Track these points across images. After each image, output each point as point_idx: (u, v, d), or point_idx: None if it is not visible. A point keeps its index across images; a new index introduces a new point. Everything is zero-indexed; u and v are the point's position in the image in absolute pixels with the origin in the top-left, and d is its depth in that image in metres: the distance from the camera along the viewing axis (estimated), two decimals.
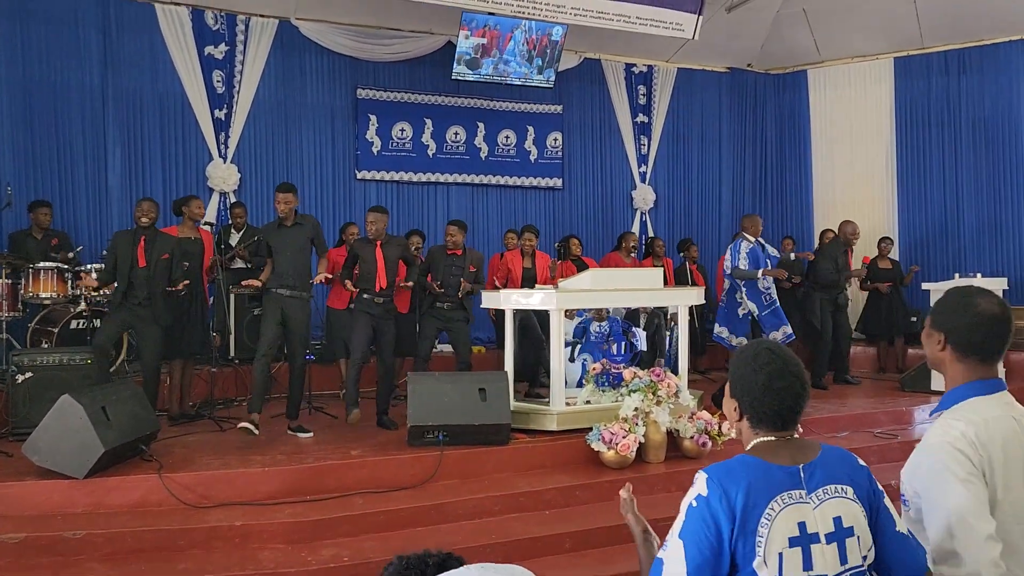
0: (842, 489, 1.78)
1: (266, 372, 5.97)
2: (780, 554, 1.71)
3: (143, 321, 5.90)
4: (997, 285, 7.94)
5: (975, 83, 9.86)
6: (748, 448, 1.87)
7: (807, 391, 1.88)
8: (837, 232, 8.65)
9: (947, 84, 10.05)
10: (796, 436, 1.88)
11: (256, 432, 5.58)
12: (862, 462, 1.90)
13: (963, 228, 9.97)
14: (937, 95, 10.11)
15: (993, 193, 9.77)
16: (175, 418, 6.31)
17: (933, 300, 8.21)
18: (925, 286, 8.66)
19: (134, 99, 8.21)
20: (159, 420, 5.66)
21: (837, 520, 1.75)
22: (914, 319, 9.40)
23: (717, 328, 7.92)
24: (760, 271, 7.57)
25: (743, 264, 7.61)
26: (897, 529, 1.84)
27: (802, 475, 1.78)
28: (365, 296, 6.18)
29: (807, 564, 1.72)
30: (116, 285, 5.85)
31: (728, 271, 7.71)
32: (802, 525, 1.73)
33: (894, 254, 9.74)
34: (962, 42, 9.87)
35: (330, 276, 6.24)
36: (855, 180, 10.67)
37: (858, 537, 1.77)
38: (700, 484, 1.79)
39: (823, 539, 1.74)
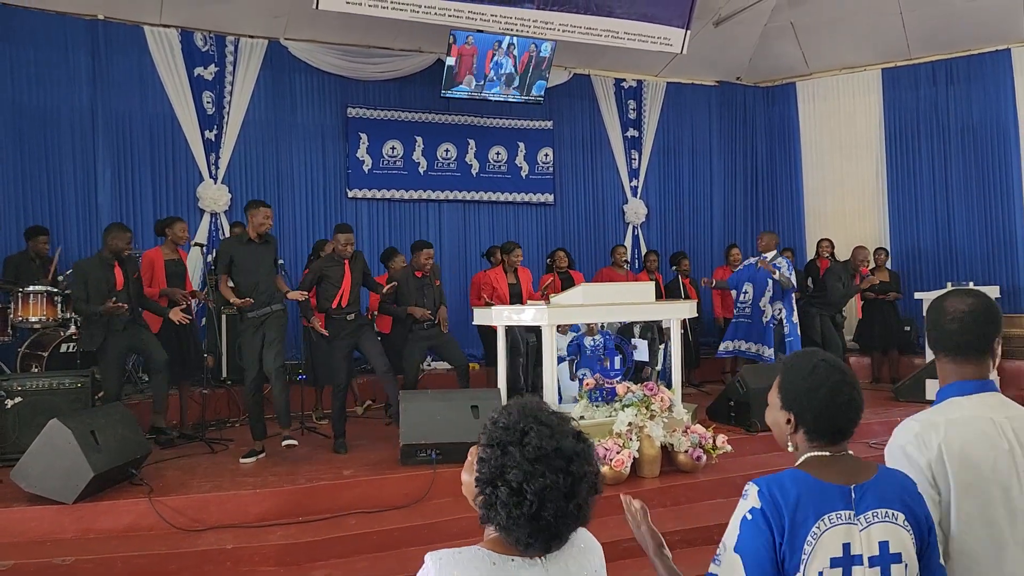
0: (893, 515, 1.74)
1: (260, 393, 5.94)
2: (820, 573, 1.69)
3: (136, 336, 5.90)
4: (989, 293, 7.91)
5: (963, 93, 9.92)
6: (799, 463, 1.83)
7: (863, 404, 1.86)
8: (851, 256, 8.88)
9: (935, 94, 10.11)
10: (849, 452, 1.85)
11: (295, 443, 5.78)
12: (920, 491, 1.84)
13: (954, 237, 10.01)
14: (925, 105, 10.17)
15: (983, 201, 9.81)
16: (164, 443, 6.26)
17: (926, 309, 8.38)
18: (918, 295, 8.71)
19: (124, 121, 8.20)
20: (149, 443, 5.63)
21: (883, 545, 1.71)
22: (907, 328, 9.42)
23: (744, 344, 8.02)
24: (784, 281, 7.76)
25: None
26: (940, 561, 1.82)
27: (853, 495, 1.75)
28: (335, 317, 6.16)
29: None
30: (83, 319, 5.80)
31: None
32: (847, 546, 1.70)
33: (888, 264, 9.75)
34: (948, 52, 9.93)
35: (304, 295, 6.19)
36: (846, 191, 10.71)
37: (905, 565, 1.72)
38: (752, 497, 1.76)
39: (866, 562, 1.70)
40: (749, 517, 1.74)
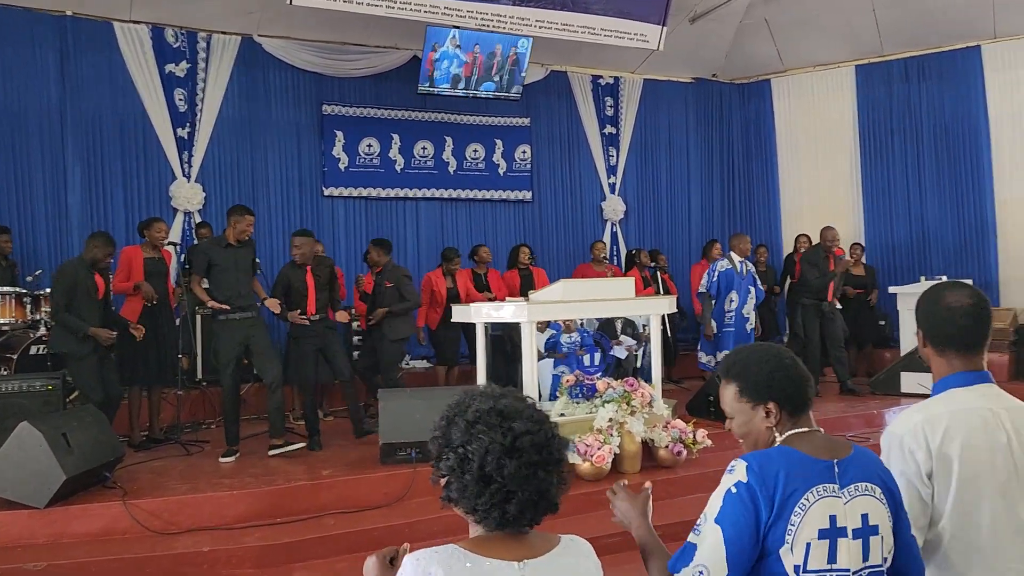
0: (871, 488, 1.80)
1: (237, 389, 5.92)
2: (808, 544, 1.73)
3: (103, 352, 5.81)
4: None
5: (934, 89, 10.03)
6: (782, 440, 1.86)
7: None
8: (819, 238, 8.58)
9: (907, 91, 10.21)
10: (820, 431, 1.89)
11: (295, 446, 5.82)
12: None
13: (927, 232, 10.11)
14: (898, 101, 10.26)
15: (955, 196, 9.92)
16: (137, 445, 6.16)
17: (900, 304, 8.43)
18: (892, 290, 8.76)
19: (93, 119, 8.05)
20: (123, 446, 5.53)
21: (864, 517, 1.77)
22: (882, 323, 9.50)
23: (705, 357, 7.95)
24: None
25: (705, 287, 7.74)
26: (911, 532, 1.87)
27: (836, 469, 1.80)
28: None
29: (832, 557, 1.74)
30: (64, 328, 5.67)
31: (702, 289, 7.75)
32: (833, 518, 1.75)
33: (863, 259, 9.83)
34: (921, 49, 10.03)
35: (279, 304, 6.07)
36: (821, 187, 10.79)
37: (882, 537, 1.79)
38: (740, 471, 1.78)
39: (850, 534, 1.75)
40: (734, 490, 1.76)
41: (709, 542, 1.75)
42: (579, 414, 5.92)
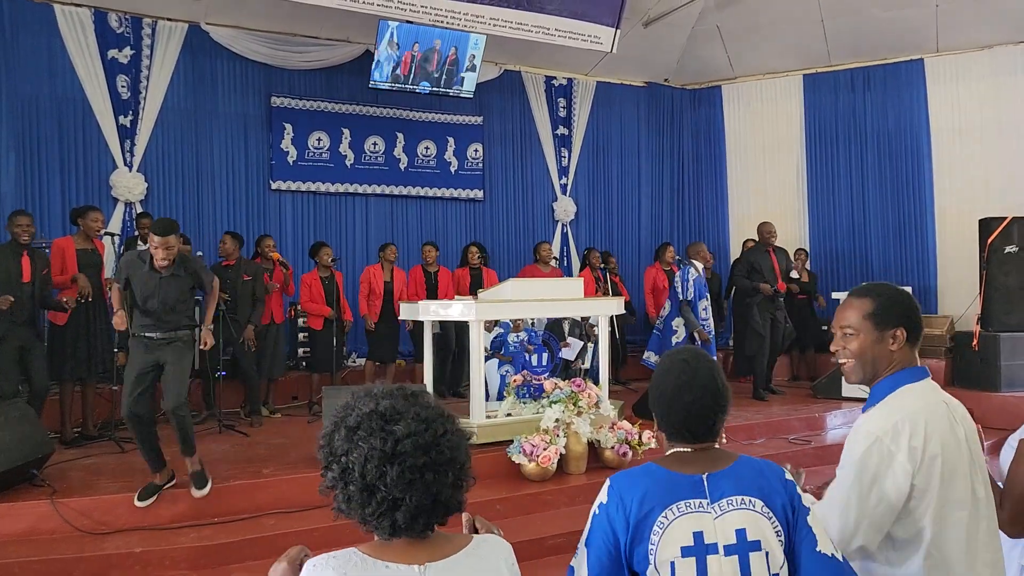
0: (750, 501, 1.71)
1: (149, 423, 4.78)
2: (672, 563, 1.66)
3: (30, 340, 5.60)
4: None
5: (879, 99, 10.26)
6: (660, 458, 1.83)
7: (720, 403, 1.81)
8: (757, 234, 8.65)
9: (853, 100, 10.43)
10: (716, 447, 1.83)
11: (164, 483, 4.78)
12: (789, 477, 1.81)
13: (870, 238, 10.34)
14: (844, 110, 10.48)
15: (897, 204, 10.16)
16: (69, 442, 5.94)
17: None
18: (835, 295, 8.93)
19: (30, 104, 7.74)
20: (54, 443, 5.32)
21: (740, 532, 1.68)
22: (825, 327, 9.67)
23: (647, 353, 7.95)
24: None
25: (691, 294, 7.64)
26: (818, 549, 1.73)
27: (705, 484, 1.73)
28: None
29: (701, 574, 1.67)
30: None
31: (681, 298, 7.68)
32: (698, 535, 1.68)
33: (807, 265, 10.01)
34: (867, 60, 10.26)
35: (209, 344, 5.01)
36: (768, 193, 10.95)
37: (766, 553, 1.69)
38: (603, 492, 1.77)
39: (721, 550, 1.67)
40: (596, 512, 1.76)
41: (580, 565, 1.75)
42: (526, 414, 5.91)
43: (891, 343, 2.01)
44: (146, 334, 4.73)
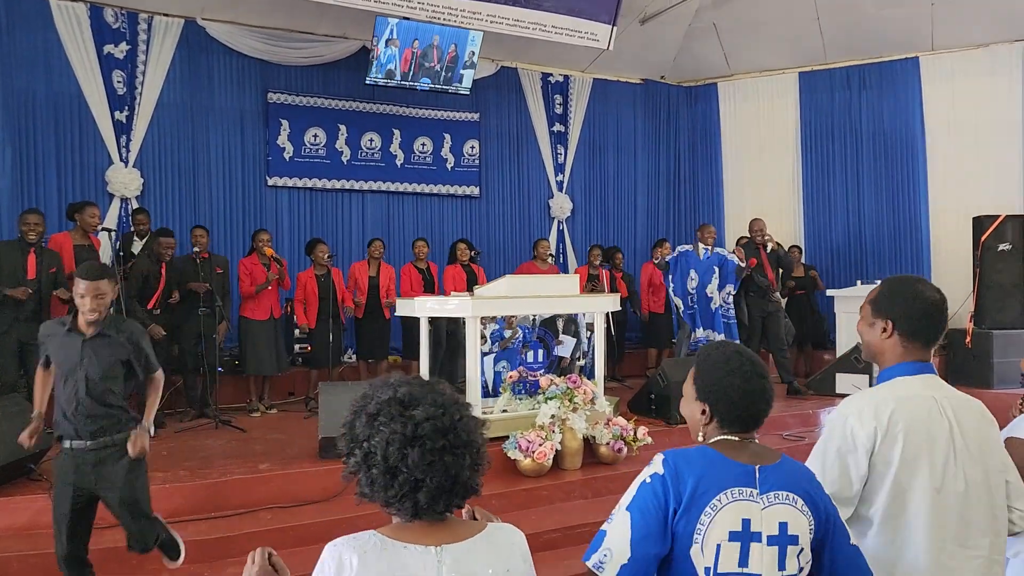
0: (793, 498, 1.80)
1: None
2: (718, 545, 1.72)
3: (31, 336, 5.59)
4: None
5: (874, 97, 10.30)
6: (709, 443, 1.87)
7: (772, 396, 1.92)
8: (748, 231, 8.68)
9: (848, 98, 10.46)
10: (756, 440, 1.90)
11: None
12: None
13: (864, 236, 10.38)
14: (840, 109, 10.51)
15: (892, 203, 10.20)
16: None
17: (838, 307, 8.61)
18: (830, 292, 8.96)
19: (26, 99, 7.73)
20: (51, 438, 5.32)
21: (783, 525, 1.76)
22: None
23: (700, 331, 7.99)
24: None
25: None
26: (852, 542, 1.87)
27: (757, 475, 1.80)
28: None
29: (743, 561, 1.73)
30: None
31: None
32: (746, 522, 1.74)
33: (803, 261, 10.05)
34: (862, 59, 10.30)
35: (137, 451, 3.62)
36: (764, 190, 10.97)
37: (801, 548, 1.78)
38: (656, 464, 1.80)
39: (765, 540, 1.75)
40: (648, 480, 1.79)
41: (617, 528, 1.77)
42: (522, 410, 5.93)
43: (881, 332, 2.12)
44: (70, 444, 3.51)
